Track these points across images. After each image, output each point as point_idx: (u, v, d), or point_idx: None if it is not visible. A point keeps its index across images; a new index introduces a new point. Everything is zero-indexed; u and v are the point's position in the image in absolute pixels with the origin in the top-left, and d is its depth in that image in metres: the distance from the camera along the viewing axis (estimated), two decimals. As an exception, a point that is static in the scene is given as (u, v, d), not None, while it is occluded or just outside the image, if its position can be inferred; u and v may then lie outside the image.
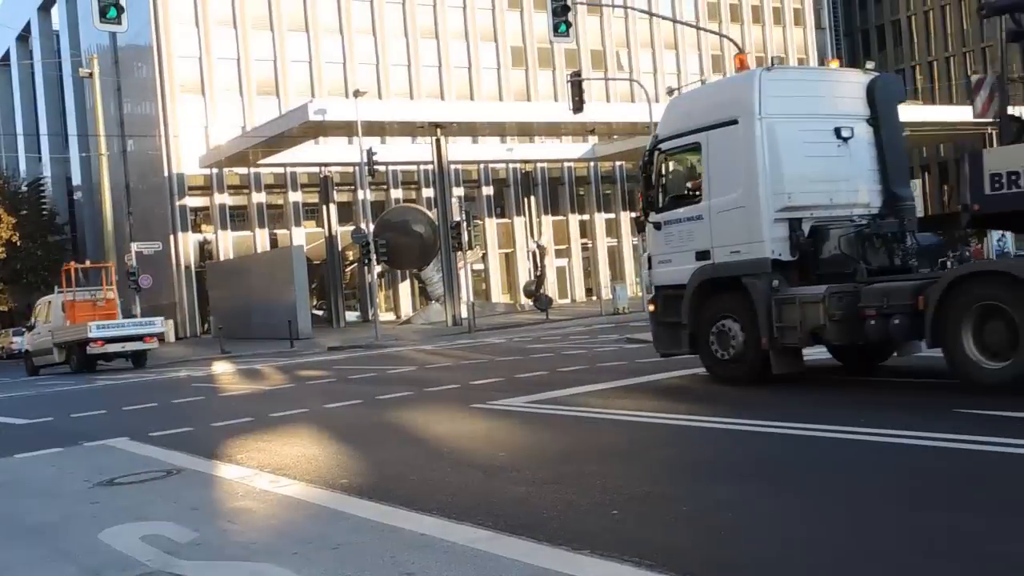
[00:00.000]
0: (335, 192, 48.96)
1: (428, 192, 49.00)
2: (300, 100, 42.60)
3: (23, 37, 68.31)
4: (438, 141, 39.16)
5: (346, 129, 40.01)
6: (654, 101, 36.64)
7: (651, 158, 12.10)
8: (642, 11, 44.21)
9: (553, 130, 49.80)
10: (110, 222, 36.46)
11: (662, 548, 4.93)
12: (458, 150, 46.09)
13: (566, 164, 55.27)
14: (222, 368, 25.09)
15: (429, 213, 44.04)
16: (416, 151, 47.34)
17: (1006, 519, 5.09)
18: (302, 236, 48.02)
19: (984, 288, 8.95)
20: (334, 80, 49.97)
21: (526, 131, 50.47)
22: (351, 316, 50.27)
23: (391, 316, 48.38)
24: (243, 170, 47.46)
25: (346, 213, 49.23)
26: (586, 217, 56.34)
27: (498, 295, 53.00)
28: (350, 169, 46.72)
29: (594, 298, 51.08)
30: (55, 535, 6.41)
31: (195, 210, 48.27)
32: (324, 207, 49.12)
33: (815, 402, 9.71)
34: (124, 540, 5.92)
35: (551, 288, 49.36)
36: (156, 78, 47.40)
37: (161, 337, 32.56)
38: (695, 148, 11.55)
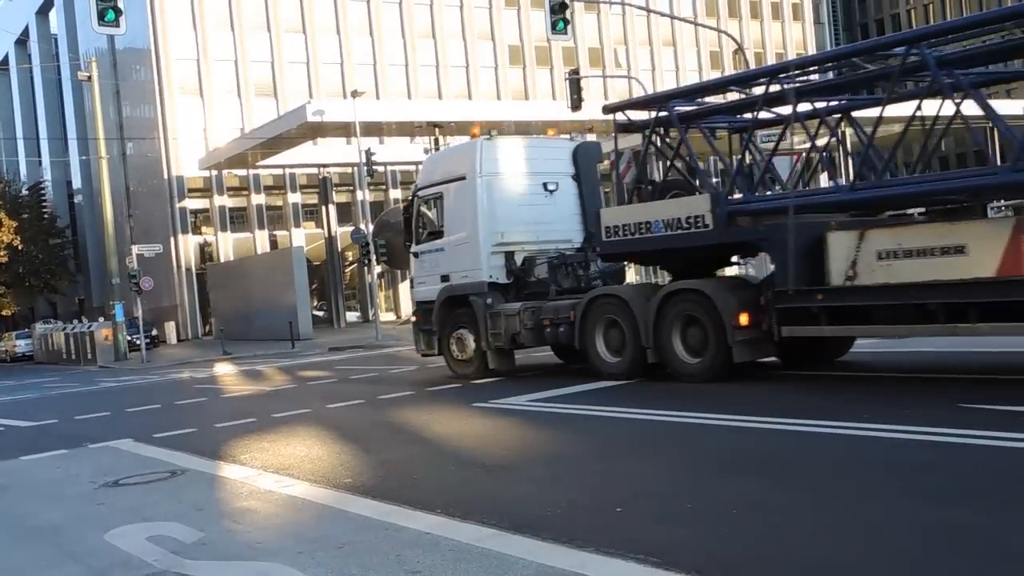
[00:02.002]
0: (334, 193, 48.97)
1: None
2: (298, 101, 42.62)
3: (21, 41, 68.33)
4: (436, 141, 39.16)
5: (344, 130, 40.02)
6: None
7: (412, 203, 15.31)
8: (640, 8, 44.21)
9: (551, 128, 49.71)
10: (111, 225, 36.45)
11: (666, 545, 4.96)
12: (457, 149, 46.00)
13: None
14: (224, 369, 25.12)
15: None
16: (414, 151, 47.35)
17: (1014, 514, 5.11)
18: (302, 237, 48.04)
19: (607, 307, 12.43)
20: (332, 81, 49.98)
21: (524, 130, 50.39)
22: (352, 316, 50.28)
23: (392, 316, 48.38)
24: (242, 172, 47.50)
25: (345, 214, 49.25)
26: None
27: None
28: (349, 170, 46.73)
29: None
30: (61, 536, 6.44)
31: (195, 212, 48.31)
32: (323, 208, 49.13)
33: (819, 399, 9.73)
34: (130, 540, 5.95)
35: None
36: (154, 80, 47.43)
37: None
38: (440, 196, 14.67)
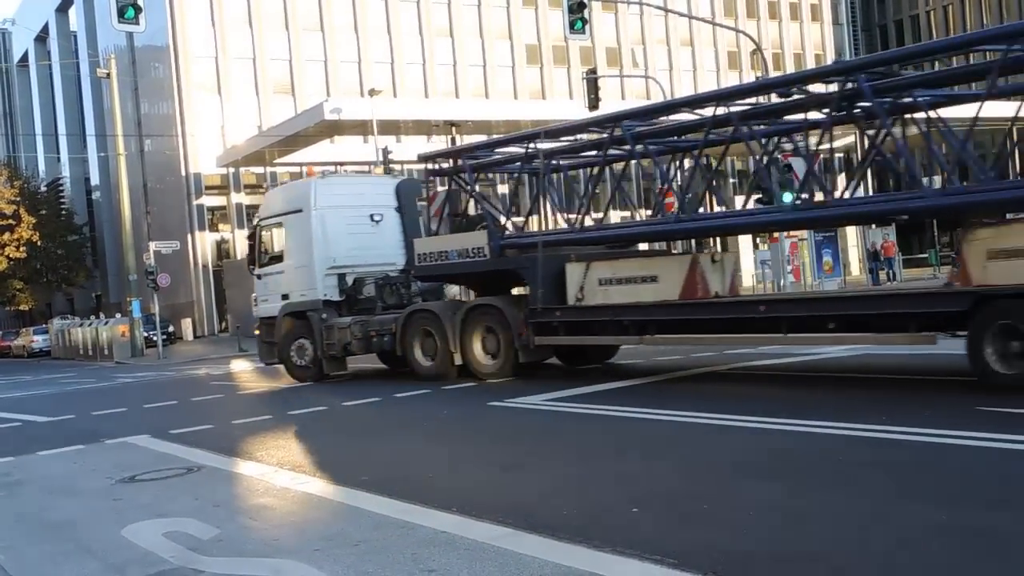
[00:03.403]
0: (351, 191, 48.97)
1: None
2: (315, 100, 42.73)
3: (41, 38, 68.74)
4: (453, 140, 39.16)
5: (361, 128, 40.09)
6: (670, 98, 36.50)
7: (255, 231, 17.48)
8: (658, 7, 44.06)
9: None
10: (128, 221, 36.61)
11: (683, 545, 4.93)
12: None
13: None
14: (240, 366, 25.21)
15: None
16: (431, 150, 47.36)
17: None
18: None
19: (422, 320, 14.84)
20: (349, 79, 50.07)
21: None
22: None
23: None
24: (259, 169, 47.64)
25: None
26: (599, 215, 56.16)
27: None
28: (366, 168, 46.79)
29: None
30: (78, 531, 6.46)
31: (212, 209, 48.48)
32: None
33: (835, 401, 9.67)
34: (147, 536, 5.96)
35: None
36: (173, 78, 47.65)
37: None
38: (280, 225, 16.84)
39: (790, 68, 60.62)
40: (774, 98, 11.74)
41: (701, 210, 12.85)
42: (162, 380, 21.17)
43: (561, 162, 14.88)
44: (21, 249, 51.72)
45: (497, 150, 15.31)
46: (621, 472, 7.11)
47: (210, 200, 48.14)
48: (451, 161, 15.38)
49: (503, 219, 14.83)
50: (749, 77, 56.75)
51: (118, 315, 42.53)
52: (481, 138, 35.41)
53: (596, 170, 13.81)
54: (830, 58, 63.75)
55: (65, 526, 6.67)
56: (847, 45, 66.22)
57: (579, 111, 34.35)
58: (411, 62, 52.11)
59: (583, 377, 13.26)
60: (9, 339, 50.95)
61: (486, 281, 14.78)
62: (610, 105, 30.41)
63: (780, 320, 10.88)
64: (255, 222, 17.87)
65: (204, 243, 47.82)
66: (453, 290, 17.94)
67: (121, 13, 17.22)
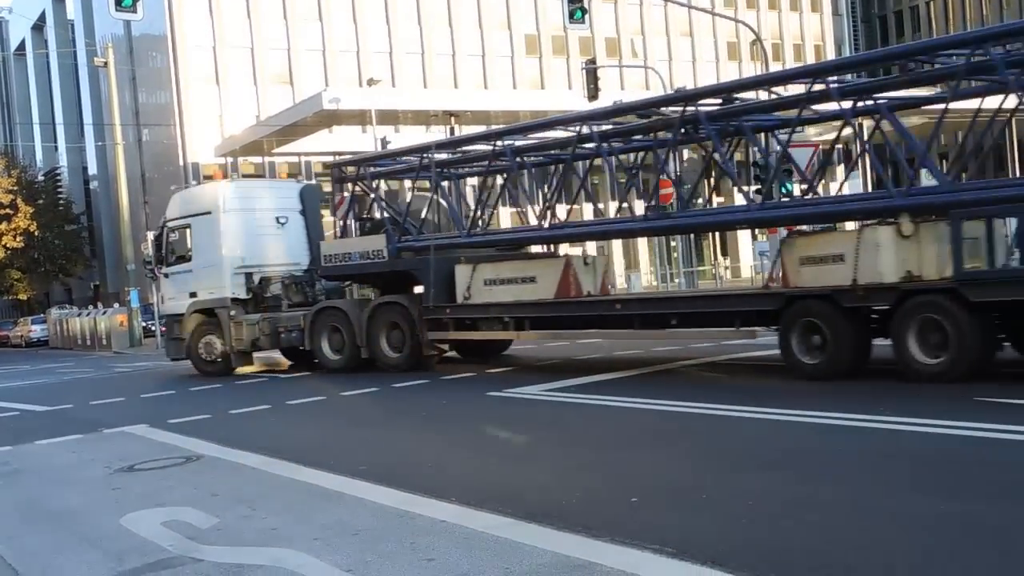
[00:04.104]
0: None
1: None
2: (313, 89, 42.63)
3: (38, 27, 68.55)
4: (452, 130, 39.11)
5: (360, 118, 40.04)
6: (669, 89, 36.45)
7: (162, 232, 18.07)
8: (657, -2, 43.99)
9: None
10: (126, 211, 36.52)
11: (683, 535, 4.94)
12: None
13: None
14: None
15: (443, 202, 43.99)
16: (430, 140, 47.29)
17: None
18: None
19: (331, 316, 15.89)
20: (347, 69, 49.95)
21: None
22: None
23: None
24: (258, 159, 47.57)
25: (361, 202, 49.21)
26: (600, 205, 56.11)
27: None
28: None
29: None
30: (78, 521, 6.46)
31: (210, 199, 48.38)
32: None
33: (834, 391, 9.68)
34: (146, 525, 5.97)
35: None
36: (170, 67, 47.53)
37: None
38: (188, 227, 17.50)
39: (789, 59, 60.55)
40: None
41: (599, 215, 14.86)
42: (160, 370, 21.14)
43: (454, 171, 16.41)
44: (19, 239, 51.61)
45: (399, 159, 16.81)
46: (620, 461, 7.11)
47: (208, 190, 48.04)
48: (356, 169, 16.68)
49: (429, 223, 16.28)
50: (749, 67, 56.67)
51: (116, 305, 42.46)
52: (480, 128, 35.52)
53: (487, 179, 15.78)
54: (830, 49, 63.68)
55: (64, 515, 6.67)
56: (847, 36, 66.10)
57: (578, 101, 34.29)
58: (410, 52, 51.99)
59: (582, 368, 13.26)
60: (7, 329, 50.89)
61: (386, 281, 15.92)
62: (609, 95, 30.35)
63: (632, 317, 12.44)
64: (161, 223, 18.49)
65: (202, 233, 47.69)
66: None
67: (118, 1, 17.15)
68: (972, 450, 6.58)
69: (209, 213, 17.10)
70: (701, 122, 11.84)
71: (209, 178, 17.84)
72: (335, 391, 13.02)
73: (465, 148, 16.00)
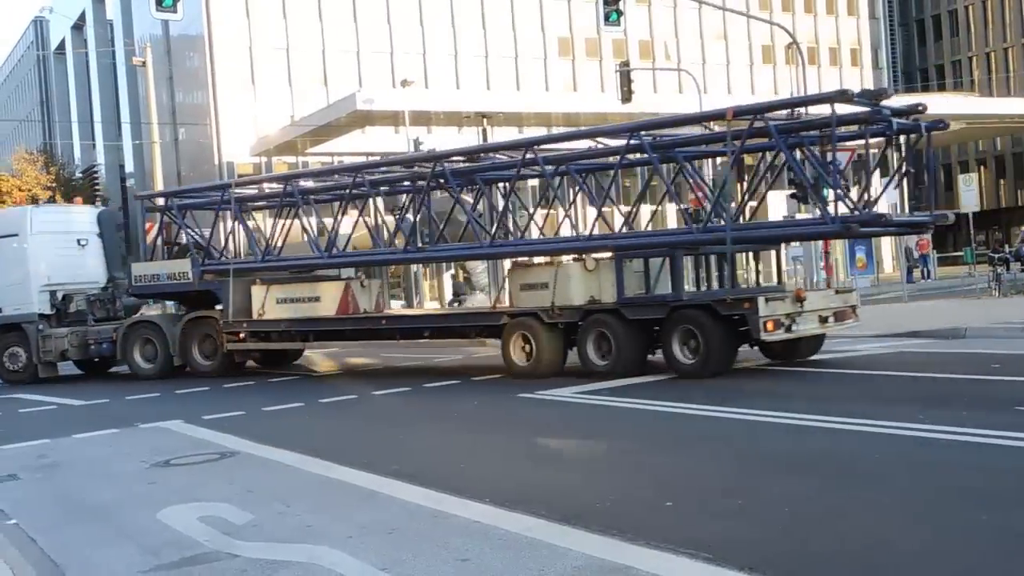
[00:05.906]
0: (382, 181, 49.09)
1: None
2: (346, 90, 42.80)
3: (78, 26, 69.43)
4: (484, 131, 39.13)
5: (393, 119, 40.11)
6: (703, 92, 36.26)
7: None
8: None
9: (599, 121, 49.48)
10: (162, 209, 36.91)
11: (718, 540, 4.90)
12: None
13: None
14: (270, 354, 25.28)
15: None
16: (462, 142, 47.35)
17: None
18: (349, 225, 48.20)
19: (144, 329, 17.89)
20: (380, 70, 50.13)
21: (572, 122, 50.16)
22: (396, 304, 50.40)
23: (436, 304, 48.43)
24: (291, 159, 47.83)
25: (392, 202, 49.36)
26: (630, 208, 55.89)
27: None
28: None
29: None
30: (114, 515, 6.53)
31: (244, 198, 48.74)
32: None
33: (873, 397, 9.58)
34: (182, 520, 6.02)
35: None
36: (207, 67, 47.95)
37: None
38: None
39: (825, 63, 60.05)
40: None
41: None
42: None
43: (252, 204, 19.09)
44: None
45: (207, 193, 19.12)
46: (653, 465, 7.07)
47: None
48: (165, 200, 18.99)
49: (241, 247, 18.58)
50: (783, 71, 56.23)
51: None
52: (508, 132, 35.66)
53: (283, 210, 17.83)
54: (867, 53, 63.04)
55: (101, 509, 6.75)
56: (883, 40, 65.36)
57: (611, 104, 34.20)
58: (443, 53, 52.11)
59: (614, 372, 13.21)
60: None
61: (192, 299, 18.03)
62: (642, 99, 30.24)
63: (395, 330, 15.51)
64: None
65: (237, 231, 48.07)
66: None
67: (159, 1, 17.34)
68: (1008, 458, 6.48)
69: (17, 235, 18.62)
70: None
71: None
72: (367, 391, 13.06)
73: (262, 184, 19.67)
